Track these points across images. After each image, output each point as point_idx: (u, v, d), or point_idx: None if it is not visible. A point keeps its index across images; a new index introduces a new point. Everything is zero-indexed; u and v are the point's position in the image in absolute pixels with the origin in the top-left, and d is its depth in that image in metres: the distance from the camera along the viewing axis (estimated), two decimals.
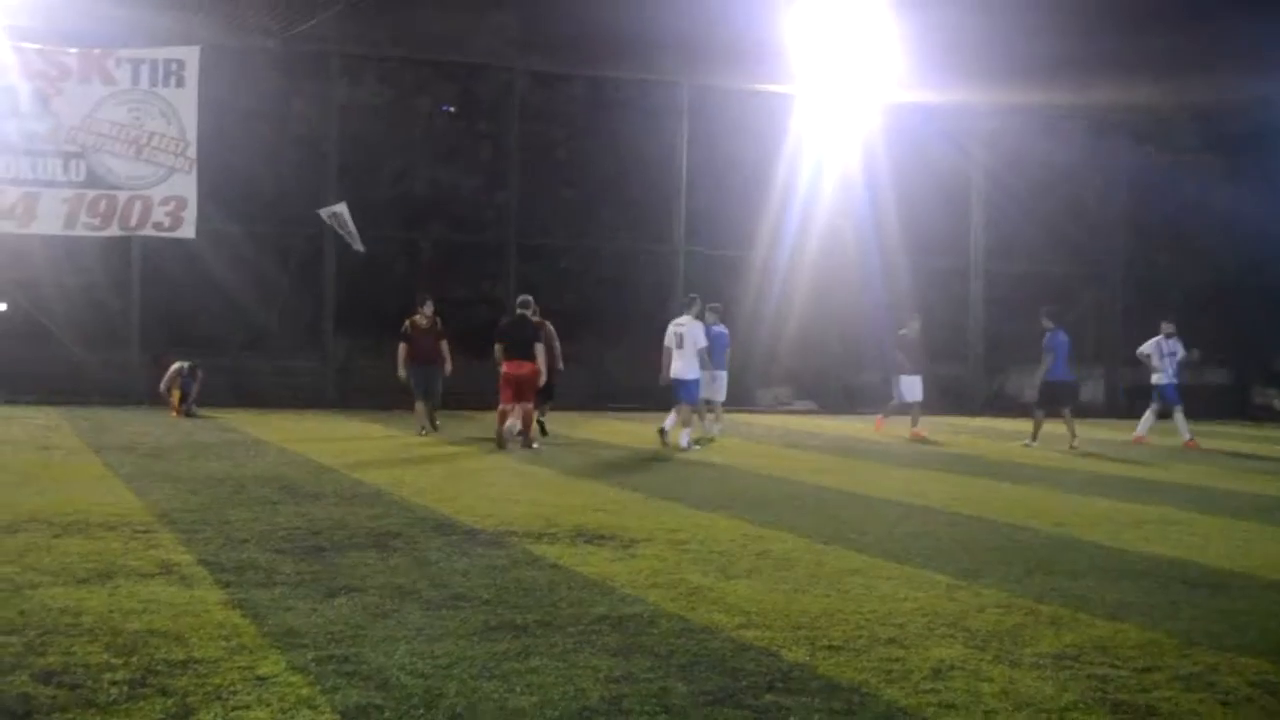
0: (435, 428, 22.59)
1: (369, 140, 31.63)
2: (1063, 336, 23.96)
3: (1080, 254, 37.16)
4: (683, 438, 20.82)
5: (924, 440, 24.07)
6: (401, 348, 22.32)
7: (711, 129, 33.21)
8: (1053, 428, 23.78)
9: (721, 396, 23.53)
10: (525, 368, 20.11)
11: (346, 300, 30.25)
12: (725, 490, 15.24)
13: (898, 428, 25.61)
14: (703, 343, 21.14)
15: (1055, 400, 24.01)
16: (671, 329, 21.44)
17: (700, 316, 21.65)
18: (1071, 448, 22.94)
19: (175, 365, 25.65)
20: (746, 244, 33.36)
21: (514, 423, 20.32)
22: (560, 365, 22.68)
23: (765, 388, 33.72)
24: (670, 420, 21.16)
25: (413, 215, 32.73)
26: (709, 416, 23.45)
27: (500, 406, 20.40)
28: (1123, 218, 37.14)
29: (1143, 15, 32.44)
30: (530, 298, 21.22)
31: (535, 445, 20.22)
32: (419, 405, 22.42)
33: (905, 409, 25.23)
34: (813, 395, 33.66)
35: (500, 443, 20.03)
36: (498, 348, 20.53)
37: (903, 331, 25.69)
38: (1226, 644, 7.61)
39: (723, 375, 23.33)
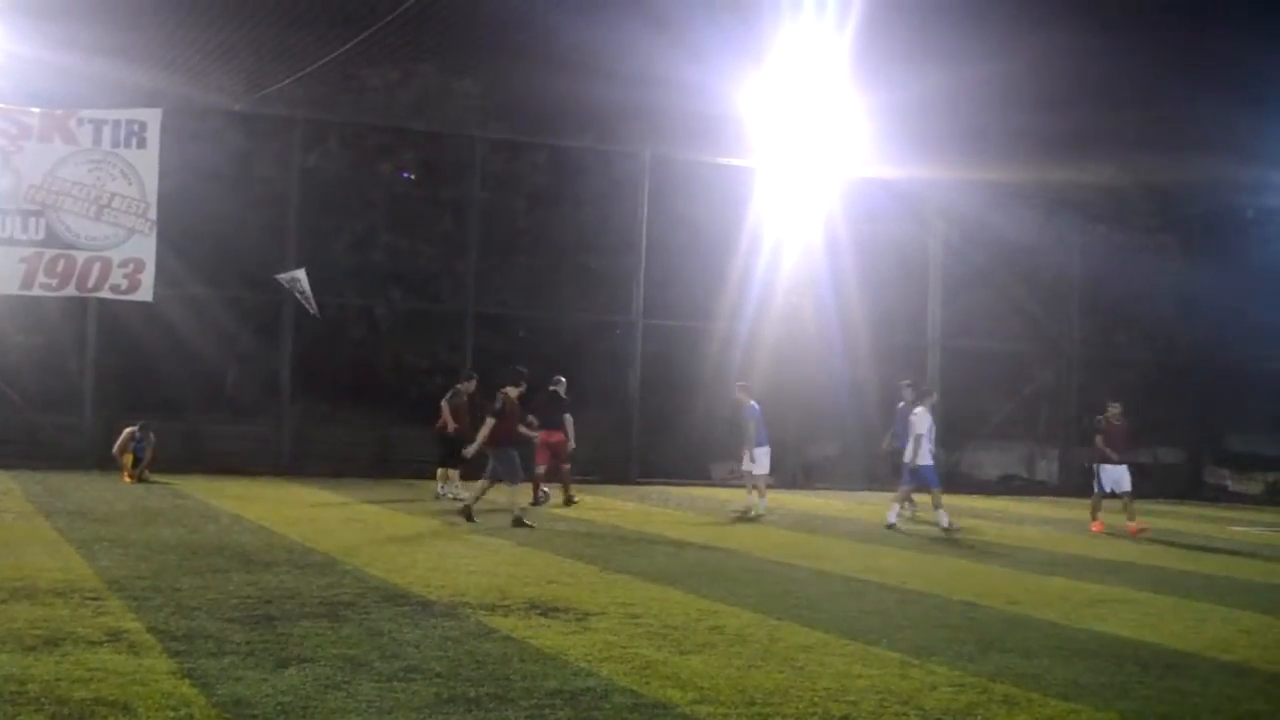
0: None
1: (330, 205, 31.60)
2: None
3: (1037, 331, 37.37)
4: (942, 518, 21.17)
5: (1144, 533, 21.93)
6: (492, 424, 19.84)
7: (672, 200, 33.29)
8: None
9: (764, 470, 23.71)
10: (555, 436, 23.85)
11: (303, 365, 30.10)
12: (679, 564, 15.21)
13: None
14: (920, 430, 21.50)
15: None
16: (907, 416, 22.15)
17: (933, 409, 22.14)
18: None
19: (128, 429, 25.46)
20: (705, 316, 33.36)
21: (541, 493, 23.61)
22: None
23: (720, 461, 33.68)
24: (893, 511, 21.79)
25: (371, 281, 32.68)
26: (754, 493, 23.75)
27: (536, 469, 23.67)
28: (1079, 295, 37.38)
29: (1101, 95, 32.86)
30: (563, 378, 24.75)
31: (576, 500, 23.89)
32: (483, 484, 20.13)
33: (1108, 499, 23.16)
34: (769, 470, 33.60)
35: (538, 498, 23.44)
36: (533, 419, 23.12)
37: (1102, 417, 23.51)
38: None
39: (762, 451, 23.56)
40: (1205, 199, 37.00)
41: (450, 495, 23.78)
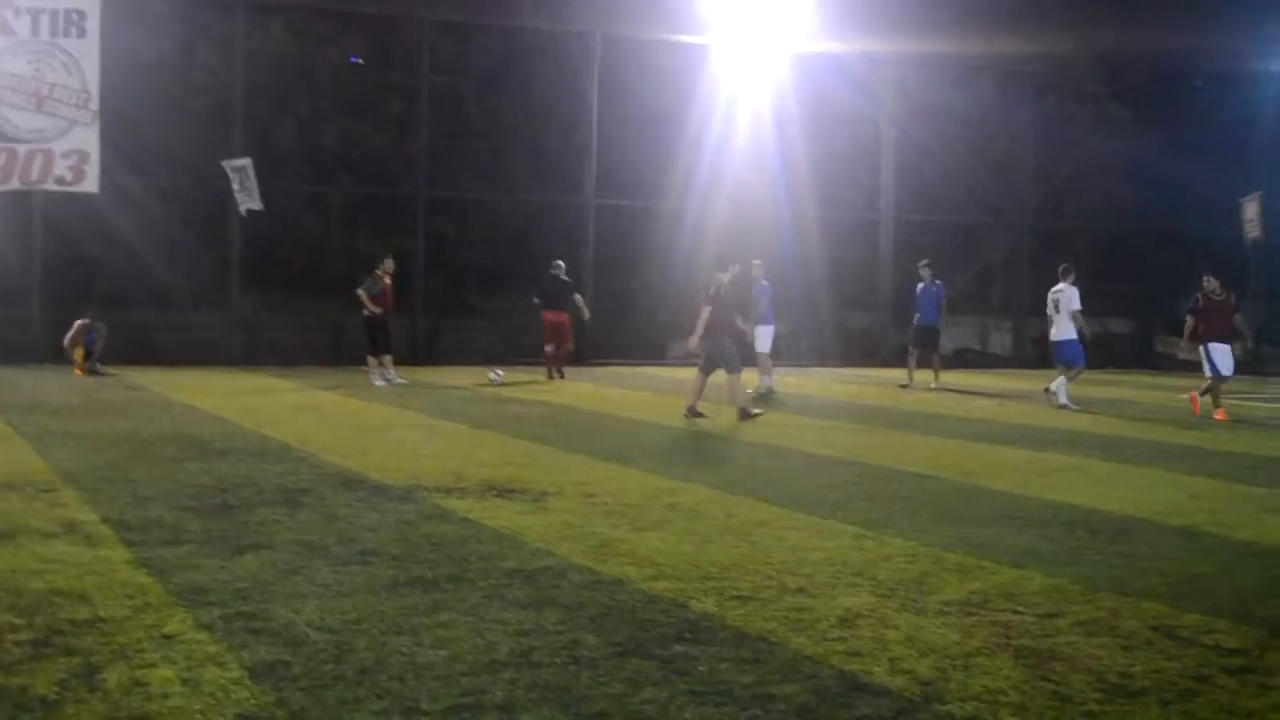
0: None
1: (276, 92, 31.17)
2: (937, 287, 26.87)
3: (988, 204, 37.45)
4: (1060, 395, 21.61)
5: (1225, 421, 19.92)
6: (708, 311, 18.35)
7: (623, 79, 33.01)
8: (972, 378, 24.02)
9: (765, 348, 24.20)
10: (560, 316, 26.22)
11: (252, 254, 29.87)
12: (635, 443, 15.27)
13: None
14: (1075, 306, 21.97)
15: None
16: (1050, 295, 22.50)
17: (1075, 284, 22.24)
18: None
19: (79, 322, 25.28)
20: (657, 194, 33.24)
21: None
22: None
23: (676, 340, 33.72)
24: (1057, 383, 21.88)
25: (321, 168, 32.35)
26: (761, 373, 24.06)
27: (546, 347, 26.41)
28: (1029, 167, 37.44)
29: None
30: (561, 262, 27.04)
31: (564, 376, 26.10)
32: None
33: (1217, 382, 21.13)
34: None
35: (550, 374, 26.10)
36: (536, 301, 26.44)
37: (1199, 295, 21.49)
38: (1128, 589, 7.74)
39: (766, 329, 23.87)
40: (1155, 68, 36.95)
41: (384, 381, 23.71)
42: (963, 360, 34.76)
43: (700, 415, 18.03)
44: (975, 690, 5.76)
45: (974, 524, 9.90)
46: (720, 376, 18.44)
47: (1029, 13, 32.90)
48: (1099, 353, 25.85)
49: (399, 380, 23.94)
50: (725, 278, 18.52)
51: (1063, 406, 21.35)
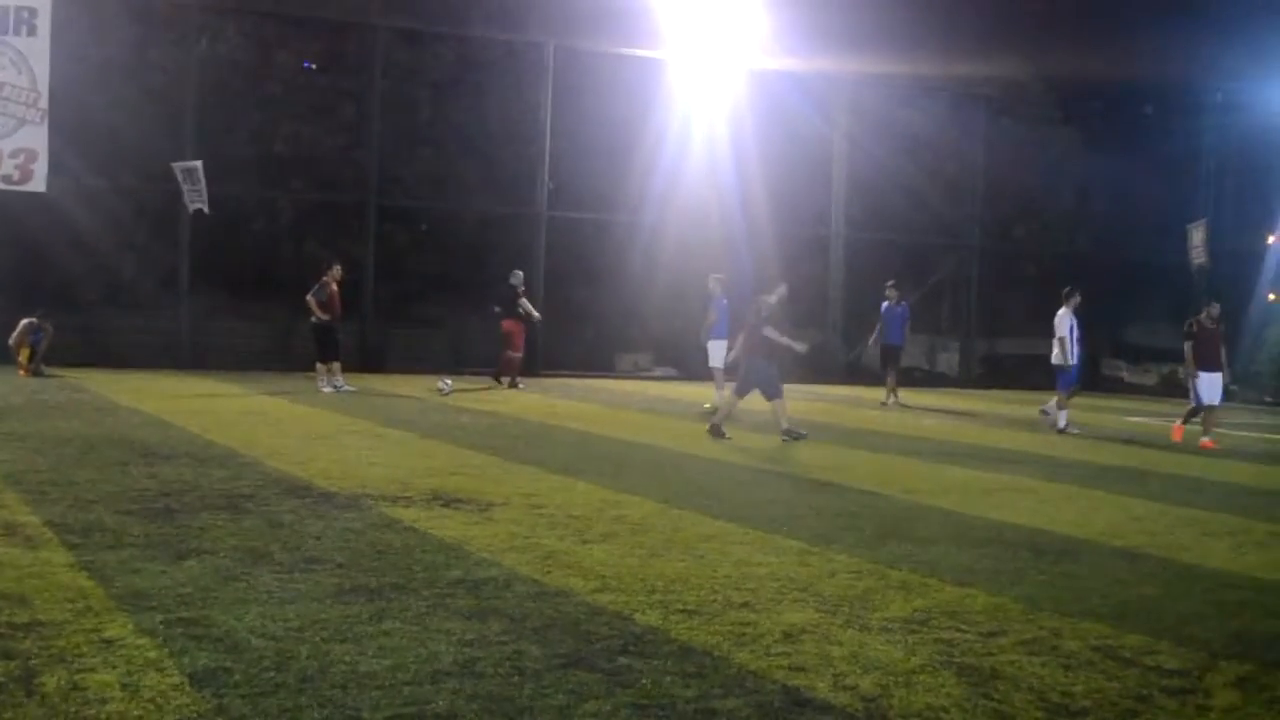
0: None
1: (229, 95, 30.99)
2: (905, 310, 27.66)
3: (939, 224, 37.62)
4: (1061, 418, 21.70)
5: (1212, 450, 19.57)
6: (743, 334, 18.57)
7: (577, 92, 32.99)
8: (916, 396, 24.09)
9: (718, 363, 23.61)
10: (515, 325, 26.81)
11: (203, 257, 29.67)
12: (583, 455, 15.26)
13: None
14: (1059, 332, 21.96)
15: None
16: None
17: (1076, 310, 22.20)
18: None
19: (25, 320, 25.05)
20: (610, 208, 33.25)
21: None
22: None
23: (625, 353, 33.74)
24: (1049, 405, 22.37)
25: (272, 173, 32.16)
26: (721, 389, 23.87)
27: (507, 353, 26.86)
28: (981, 188, 37.66)
29: None
30: (520, 272, 27.59)
31: (520, 386, 26.75)
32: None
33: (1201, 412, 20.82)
34: (674, 362, 33.70)
35: (499, 381, 26.81)
36: (496, 310, 27.21)
37: (1192, 320, 21.02)
38: (1070, 609, 7.79)
39: (718, 344, 23.60)
40: (1106, 91, 37.27)
41: (331, 388, 23.67)
42: (910, 379, 34.86)
43: (801, 435, 17.82)
44: (918, 707, 5.77)
45: (918, 542, 9.94)
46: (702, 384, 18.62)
47: (984, 36, 33.13)
48: (1046, 375, 25.99)
49: (347, 387, 23.87)
50: (772, 299, 18.30)
51: (1061, 430, 21.41)
